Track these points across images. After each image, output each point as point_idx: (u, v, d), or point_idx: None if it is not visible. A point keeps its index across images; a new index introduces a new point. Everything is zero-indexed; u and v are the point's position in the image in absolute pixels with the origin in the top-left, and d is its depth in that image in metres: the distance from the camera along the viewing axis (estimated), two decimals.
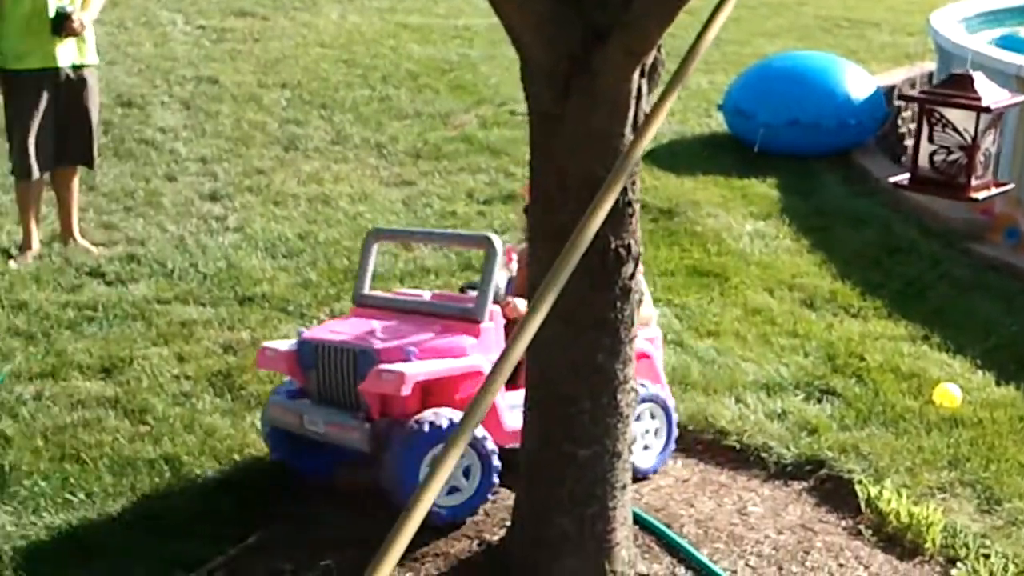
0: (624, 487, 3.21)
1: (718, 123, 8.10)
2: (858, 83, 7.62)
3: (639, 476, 3.78)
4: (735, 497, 3.84)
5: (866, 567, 3.45)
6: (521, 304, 3.77)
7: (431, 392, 3.61)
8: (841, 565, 3.45)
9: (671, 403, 4.01)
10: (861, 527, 3.66)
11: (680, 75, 2.41)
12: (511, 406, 3.62)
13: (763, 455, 4.10)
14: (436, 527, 3.43)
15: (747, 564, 3.41)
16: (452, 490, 3.50)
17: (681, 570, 3.32)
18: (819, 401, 4.47)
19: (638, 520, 3.44)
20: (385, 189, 6.97)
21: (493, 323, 3.72)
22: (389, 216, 6.47)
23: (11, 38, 5.62)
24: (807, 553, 3.53)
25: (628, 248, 3.06)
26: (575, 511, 3.15)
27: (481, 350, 3.65)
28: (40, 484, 3.81)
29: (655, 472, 3.94)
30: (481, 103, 8.51)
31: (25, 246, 5.82)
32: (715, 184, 7.03)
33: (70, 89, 5.74)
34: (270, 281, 5.58)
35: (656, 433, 3.95)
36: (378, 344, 3.62)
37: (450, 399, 3.62)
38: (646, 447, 3.92)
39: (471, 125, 8.15)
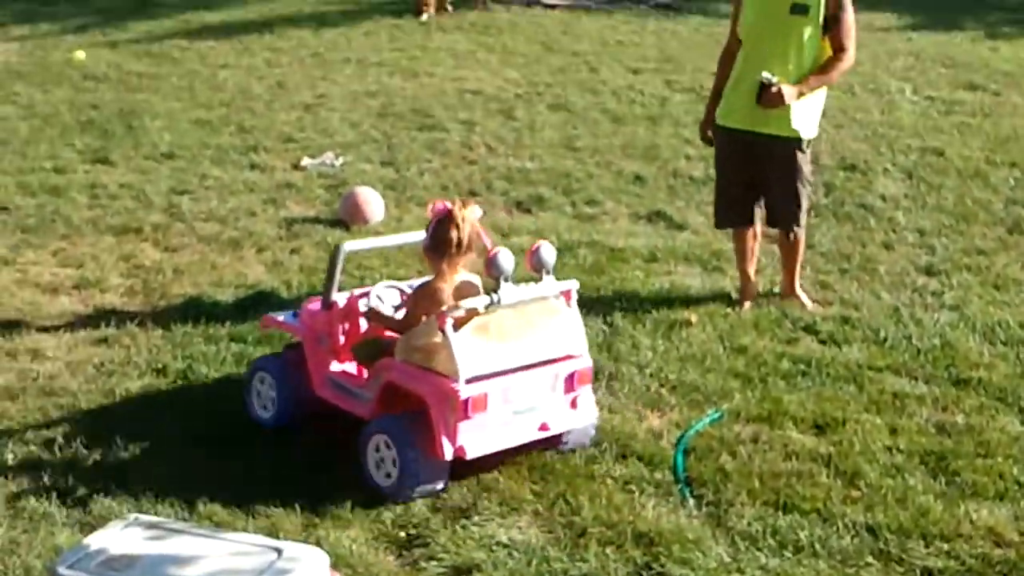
0: None
1: None
2: None
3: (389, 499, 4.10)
4: None
5: None
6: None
7: None
8: None
9: (408, 437, 4.06)
10: None
11: None
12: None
13: None
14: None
15: None
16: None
17: None
18: None
19: None
20: None
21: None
22: None
23: (727, 92, 5.87)
24: None
25: None
26: None
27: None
28: (754, 524, 3.98)
29: (406, 500, 4.08)
30: None
31: (742, 293, 6.11)
32: None
33: (767, 155, 5.77)
34: (987, 367, 5.34)
35: (393, 463, 4.08)
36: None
37: None
38: (387, 475, 4.12)
39: None
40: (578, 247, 6.83)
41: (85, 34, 12.27)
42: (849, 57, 5.70)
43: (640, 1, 14.97)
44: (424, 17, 13.16)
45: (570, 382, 4.32)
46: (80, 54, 11.15)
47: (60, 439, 4.49)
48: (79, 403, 4.80)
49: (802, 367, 5.32)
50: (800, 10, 5.58)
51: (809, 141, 5.83)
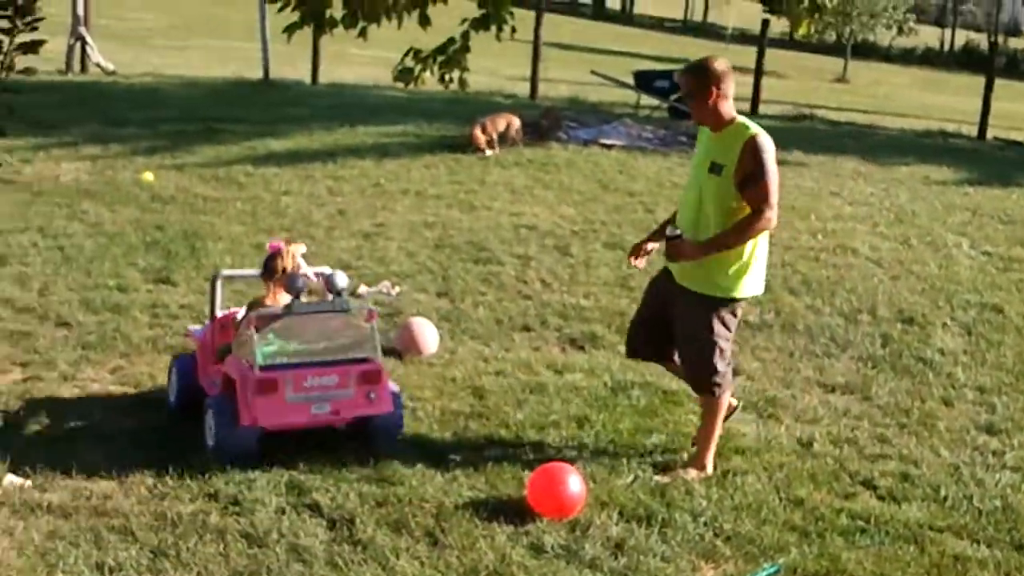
0: None
1: None
2: None
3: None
4: None
5: None
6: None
7: None
8: None
9: (224, 409, 5.42)
10: None
11: None
12: None
13: None
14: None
15: None
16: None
17: None
18: None
19: None
20: None
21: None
22: None
23: None
24: None
25: None
26: None
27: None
28: None
29: (219, 451, 5.40)
30: None
31: None
32: None
33: (680, 305, 5.67)
34: None
35: (216, 428, 5.44)
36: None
37: None
38: (213, 438, 5.48)
39: None
40: (631, 388, 6.79)
41: (154, 156, 12.59)
42: (765, 218, 5.42)
43: (695, 145, 15.19)
44: (488, 152, 13.42)
45: (361, 379, 5.54)
46: (149, 175, 11.43)
47: (111, 562, 4.47)
48: (130, 525, 4.79)
49: (861, 523, 5.21)
50: (716, 170, 5.54)
51: (728, 300, 5.57)
